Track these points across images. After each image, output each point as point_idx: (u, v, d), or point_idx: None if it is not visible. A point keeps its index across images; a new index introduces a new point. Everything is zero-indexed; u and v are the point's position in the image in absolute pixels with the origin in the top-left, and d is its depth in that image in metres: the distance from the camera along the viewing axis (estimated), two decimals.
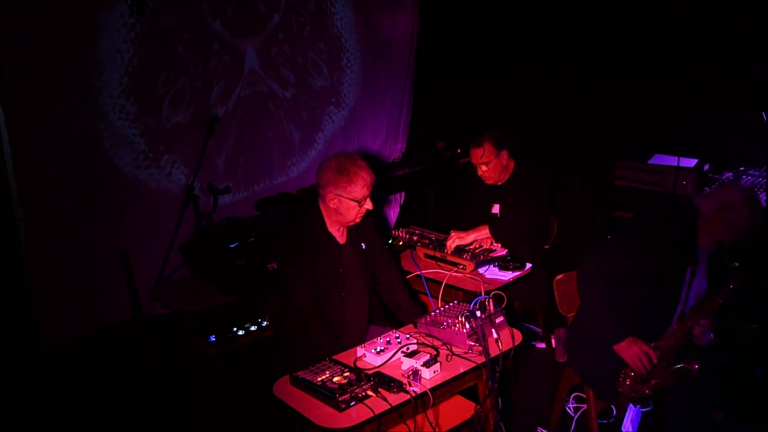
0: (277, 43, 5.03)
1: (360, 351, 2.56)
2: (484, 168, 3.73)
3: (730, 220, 2.57)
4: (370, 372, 2.40)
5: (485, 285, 3.21)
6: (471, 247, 3.50)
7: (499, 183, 3.83)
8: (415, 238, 3.68)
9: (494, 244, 3.56)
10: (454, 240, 3.48)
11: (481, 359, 2.46)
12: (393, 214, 5.84)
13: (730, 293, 2.63)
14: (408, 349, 2.52)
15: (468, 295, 3.18)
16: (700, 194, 2.77)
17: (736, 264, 2.63)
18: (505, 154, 3.73)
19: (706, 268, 2.80)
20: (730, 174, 3.98)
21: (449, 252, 3.46)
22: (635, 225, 2.84)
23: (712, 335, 2.71)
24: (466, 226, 3.61)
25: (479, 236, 3.55)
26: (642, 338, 2.70)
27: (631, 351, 2.66)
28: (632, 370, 2.72)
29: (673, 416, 2.74)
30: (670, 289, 2.72)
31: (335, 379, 2.31)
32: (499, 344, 2.55)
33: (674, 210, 2.92)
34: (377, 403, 2.25)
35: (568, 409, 3.38)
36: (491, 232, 3.55)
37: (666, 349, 2.71)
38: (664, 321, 2.75)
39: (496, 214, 3.84)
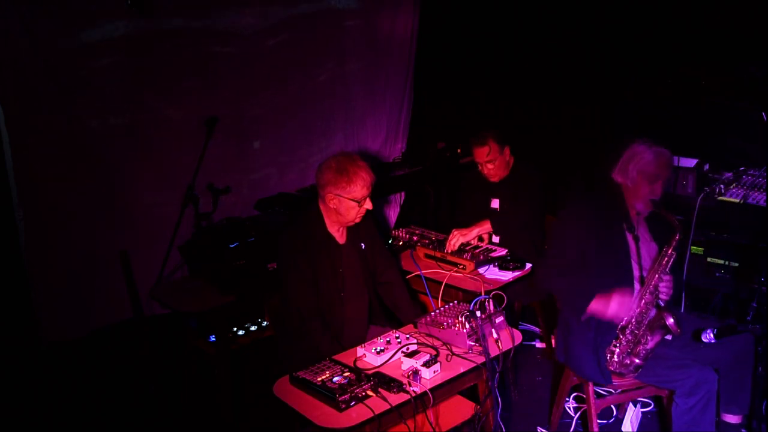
0: (278, 44, 5.02)
1: (360, 351, 2.56)
2: (490, 166, 3.73)
3: (651, 174, 2.80)
4: (370, 372, 2.40)
5: (485, 285, 3.21)
6: (471, 246, 3.50)
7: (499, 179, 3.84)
8: (415, 238, 3.68)
9: (494, 244, 3.55)
10: (458, 238, 3.48)
11: (481, 359, 2.46)
12: (393, 214, 5.84)
13: (677, 243, 2.77)
14: (408, 349, 2.53)
15: (468, 295, 3.18)
16: (610, 169, 2.95)
17: (678, 217, 2.85)
18: (507, 150, 3.75)
19: (648, 231, 2.96)
20: (729, 174, 3.97)
21: (453, 250, 3.46)
22: (564, 211, 3.02)
23: (712, 336, 2.71)
24: (465, 223, 3.61)
25: (482, 231, 3.57)
26: None
27: (611, 305, 2.71)
28: (616, 346, 2.80)
29: (674, 416, 2.75)
30: (617, 254, 2.84)
31: (335, 379, 2.32)
32: (499, 344, 2.56)
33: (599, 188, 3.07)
34: (377, 403, 2.25)
35: (568, 409, 3.38)
36: (492, 225, 3.57)
37: (639, 315, 2.78)
38: (626, 288, 2.82)
39: (496, 208, 3.84)
